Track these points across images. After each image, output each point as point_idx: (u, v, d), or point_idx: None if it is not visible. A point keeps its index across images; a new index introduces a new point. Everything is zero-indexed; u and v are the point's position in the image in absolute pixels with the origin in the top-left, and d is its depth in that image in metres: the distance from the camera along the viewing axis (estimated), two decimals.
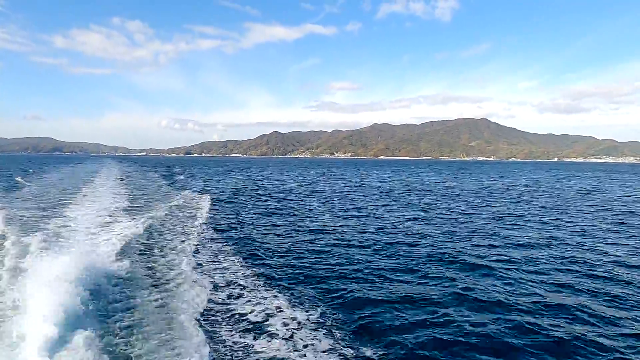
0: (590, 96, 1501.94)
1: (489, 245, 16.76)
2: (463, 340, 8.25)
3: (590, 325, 9.11)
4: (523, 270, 13.21)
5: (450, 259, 14.30)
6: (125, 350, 7.25)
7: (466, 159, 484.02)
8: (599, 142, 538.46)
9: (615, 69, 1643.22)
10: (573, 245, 17.19)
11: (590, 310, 9.84)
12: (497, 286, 11.61)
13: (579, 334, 8.60)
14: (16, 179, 45.34)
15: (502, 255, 15.16)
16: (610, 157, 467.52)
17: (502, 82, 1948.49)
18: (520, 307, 9.95)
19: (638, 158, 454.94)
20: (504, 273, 12.86)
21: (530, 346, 8.11)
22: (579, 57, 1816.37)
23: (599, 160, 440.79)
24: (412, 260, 14.24)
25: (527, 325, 8.88)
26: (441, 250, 15.45)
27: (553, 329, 8.84)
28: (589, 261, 14.41)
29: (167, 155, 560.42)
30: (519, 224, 22.27)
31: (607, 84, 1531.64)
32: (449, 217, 24.30)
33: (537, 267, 13.61)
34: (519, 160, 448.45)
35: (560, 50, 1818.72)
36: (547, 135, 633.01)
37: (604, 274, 12.84)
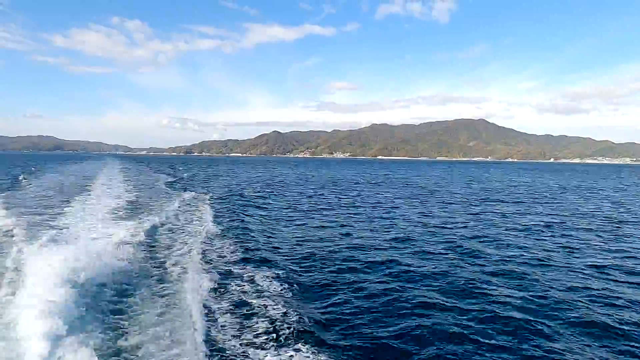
0: (589, 97, 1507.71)
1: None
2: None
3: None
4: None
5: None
6: (126, 348, 7.30)
7: (463, 159, 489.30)
8: (595, 143, 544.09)
9: (615, 71, 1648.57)
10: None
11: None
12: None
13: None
14: (19, 177, 45.42)
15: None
16: (606, 158, 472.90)
17: (501, 83, 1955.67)
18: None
19: (634, 159, 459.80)
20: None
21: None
22: (579, 58, 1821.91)
23: (595, 161, 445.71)
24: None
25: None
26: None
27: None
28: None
29: (168, 154, 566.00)
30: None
31: (606, 86, 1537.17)
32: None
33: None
34: (515, 160, 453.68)
35: (560, 52, 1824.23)
36: (544, 136, 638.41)
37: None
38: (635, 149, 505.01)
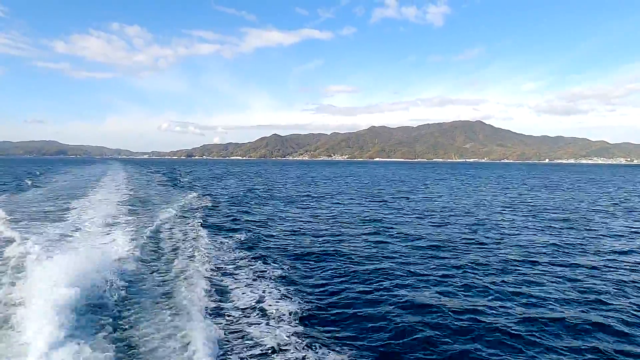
0: (587, 98, 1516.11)
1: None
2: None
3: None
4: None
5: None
6: (128, 353, 7.19)
7: (457, 160, 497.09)
8: (591, 144, 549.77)
9: (614, 71, 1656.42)
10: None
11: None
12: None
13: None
14: (24, 181, 46.30)
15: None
16: (601, 158, 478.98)
17: (500, 85, 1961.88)
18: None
19: (628, 159, 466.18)
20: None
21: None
22: (579, 60, 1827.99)
23: (589, 162, 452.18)
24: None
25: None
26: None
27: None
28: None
29: (169, 157, 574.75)
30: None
31: (604, 86, 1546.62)
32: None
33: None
34: (510, 161, 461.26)
35: (560, 54, 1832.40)
36: (541, 137, 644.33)
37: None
38: (630, 149, 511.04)
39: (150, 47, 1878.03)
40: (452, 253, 15.31)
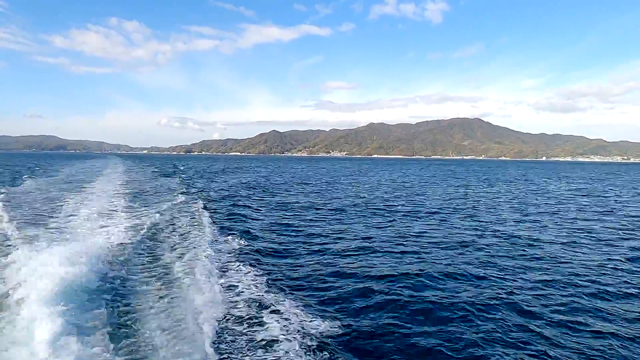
0: (586, 96, 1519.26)
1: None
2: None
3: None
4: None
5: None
6: (124, 347, 7.16)
7: (455, 157, 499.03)
8: (588, 142, 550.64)
9: (613, 69, 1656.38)
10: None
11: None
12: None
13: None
14: (23, 175, 45.87)
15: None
16: (598, 157, 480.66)
17: (499, 82, 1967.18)
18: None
19: (625, 157, 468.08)
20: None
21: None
22: (578, 57, 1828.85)
23: (586, 160, 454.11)
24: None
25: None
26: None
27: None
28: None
29: (169, 153, 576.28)
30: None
31: (604, 84, 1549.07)
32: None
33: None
34: (507, 159, 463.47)
35: (560, 51, 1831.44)
36: (539, 134, 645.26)
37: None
38: (628, 147, 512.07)
39: (148, 43, 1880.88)
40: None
